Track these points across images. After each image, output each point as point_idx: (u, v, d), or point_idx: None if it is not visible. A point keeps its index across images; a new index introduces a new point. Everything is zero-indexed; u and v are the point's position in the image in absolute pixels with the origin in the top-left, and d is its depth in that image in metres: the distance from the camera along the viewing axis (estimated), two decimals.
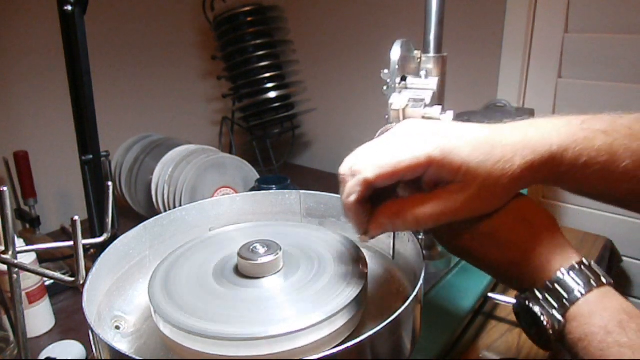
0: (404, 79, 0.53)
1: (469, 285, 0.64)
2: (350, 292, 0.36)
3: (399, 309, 0.31)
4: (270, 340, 0.32)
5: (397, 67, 0.50)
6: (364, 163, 0.33)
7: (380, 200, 0.35)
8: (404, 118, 0.48)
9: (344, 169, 0.34)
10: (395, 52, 0.50)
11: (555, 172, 0.35)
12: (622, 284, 1.10)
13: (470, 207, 0.34)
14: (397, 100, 0.48)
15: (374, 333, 0.30)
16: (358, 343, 0.29)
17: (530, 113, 0.92)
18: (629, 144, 0.34)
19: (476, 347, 0.62)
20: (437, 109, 0.49)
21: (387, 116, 0.50)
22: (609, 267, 0.96)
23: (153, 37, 1.20)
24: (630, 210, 0.38)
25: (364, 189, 0.33)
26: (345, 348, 0.28)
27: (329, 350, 0.31)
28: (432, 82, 0.52)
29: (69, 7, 0.63)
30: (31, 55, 0.98)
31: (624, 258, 1.03)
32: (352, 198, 0.33)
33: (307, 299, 0.35)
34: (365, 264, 0.39)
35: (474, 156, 0.32)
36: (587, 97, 1.03)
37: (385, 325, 0.30)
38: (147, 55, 1.20)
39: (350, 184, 0.33)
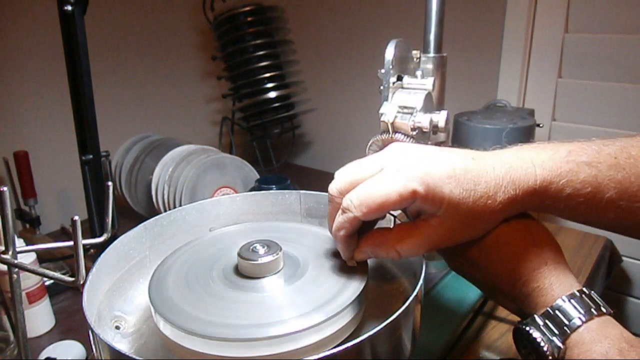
0: (400, 78, 0.53)
1: (469, 285, 0.63)
2: (350, 292, 0.36)
3: (399, 309, 0.31)
4: (270, 340, 0.32)
5: (391, 67, 0.50)
6: (354, 201, 0.34)
7: (367, 226, 0.38)
8: (393, 129, 0.49)
9: (332, 189, 0.36)
10: (390, 52, 0.50)
11: (540, 203, 0.36)
12: (622, 284, 1.10)
13: (451, 238, 0.36)
14: (386, 112, 0.49)
15: (374, 333, 0.29)
16: (358, 343, 0.29)
17: (530, 113, 0.92)
18: (614, 175, 0.34)
19: (476, 347, 0.62)
20: (443, 114, 0.50)
21: (382, 120, 0.50)
22: (609, 267, 0.96)
23: (153, 37, 1.20)
24: (617, 233, 0.39)
25: (352, 226, 0.36)
26: (345, 348, 0.28)
27: (329, 350, 0.31)
28: (429, 82, 0.52)
29: (69, 7, 0.63)
30: (31, 55, 0.98)
31: (624, 258, 1.03)
32: (342, 233, 0.36)
33: (307, 299, 0.35)
34: (366, 264, 0.39)
35: (456, 192, 0.33)
36: (587, 97, 1.03)
37: (385, 325, 0.30)
38: (147, 55, 1.20)
39: (340, 220, 0.36)
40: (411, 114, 0.49)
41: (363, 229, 0.38)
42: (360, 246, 0.38)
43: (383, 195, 0.34)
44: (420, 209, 0.35)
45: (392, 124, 0.49)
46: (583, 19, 1.00)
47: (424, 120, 0.49)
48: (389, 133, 0.50)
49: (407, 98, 0.51)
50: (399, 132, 0.50)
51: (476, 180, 0.34)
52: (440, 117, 0.51)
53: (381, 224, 0.43)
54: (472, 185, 0.34)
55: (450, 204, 0.34)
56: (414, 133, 0.49)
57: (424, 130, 0.49)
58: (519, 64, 1.07)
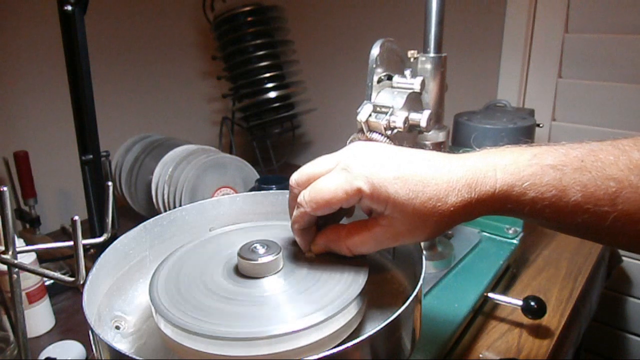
0: (389, 77, 0.54)
1: (469, 285, 0.64)
2: (350, 292, 0.36)
3: (399, 309, 0.31)
4: (270, 340, 0.32)
5: (374, 65, 0.51)
6: (305, 197, 0.36)
7: (329, 220, 0.40)
8: (368, 128, 0.51)
9: (291, 180, 0.39)
10: (374, 51, 0.51)
11: (501, 207, 0.36)
12: (622, 284, 1.10)
13: (400, 238, 0.36)
14: (360, 111, 0.50)
15: (374, 333, 0.30)
16: (358, 343, 0.29)
17: (530, 113, 0.92)
18: (579, 178, 0.33)
19: (476, 347, 0.62)
20: (425, 114, 0.51)
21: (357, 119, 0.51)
22: (609, 267, 0.96)
23: (153, 37, 1.20)
24: (588, 239, 0.38)
25: (304, 221, 0.38)
26: (345, 348, 0.28)
27: (329, 350, 0.31)
28: (416, 82, 0.52)
29: (69, 7, 0.63)
30: (31, 55, 0.98)
31: (623, 258, 1.03)
32: (296, 226, 0.39)
33: (307, 299, 0.35)
34: (366, 264, 0.39)
35: (402, 192, 0.34)
36: (587, 97, 1.03)
37: (385, 325, 0.30)
38: (147, 55, 1.20)
39: (295, 214, 0.38)
40: (386, 113, 0.50)
41: (327, 221, 0.40)
42: (315, 240, 0.40)
43: (330, 192, 0.35)
44: (369, 207, 0.36)
45: (366, 122, 0.50)
46: (583, 19, 1.00)
47: (398, 119, 0.49)
48: (364, 132, 0.51)
49: (389, 97, 0.52)
50: (375, 132, 0.50)
51: (425, 183, 0.34)
52: (422, 117, 0.51)
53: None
54: (420, 187, 0.34)
55: (395, 204, 0.34)
56: (389, 132, 0.50)
57: (399, 129, 0.50)
58: (519, 64, 1.07)
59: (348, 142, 0.52)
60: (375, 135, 0.51)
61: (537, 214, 0.35)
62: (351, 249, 0.38)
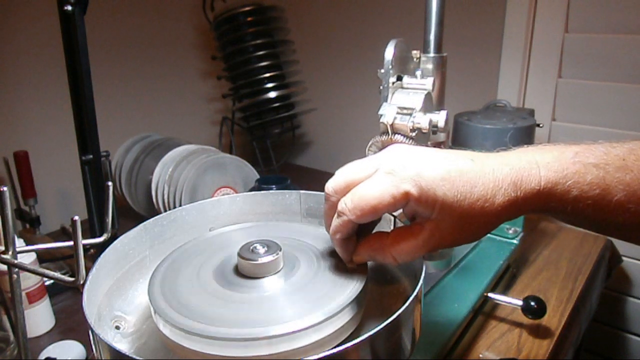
0: (399, 78, 0.53)
1: (469, 285, 0.64)
2: (350, 292, 0.36)
3: (399, 309, 0.31)
4: (270, 340, 0.32)
5: (390, 67, 0.50)
6: (348, 205, 0.34)
7: (366, 228, 0.38)
8: (393, 130, 0.49)
9: (328, 188, 0.37)
10: (389, 52, 0.50)
11: (544, 206, 0.35)
12: (622, 284, 1.10)
13: (447, 241, 0.35)
14: (386, 113, 0.49)
15: (374, 333, 0.29)
16: (358, 343, 0.29)
17: (530, 113, 0.92)
18: (622, 177, 0.33)
19: (476, 347, 0.62)
20: (443, 114, 0.50)
21: (381, 121, 0.50)
22: (609, 267, 0.96)
23: (153, 37, 1.20)
24: (627, 241, 0.38)
25: (347, 230, 0.36)
26: (345, 348, 0.28)
27: (329, 350, 0.31)
28: (428, 82, 0.52)
29: (69, 7, 0.63)
30: (31, 55, 0.98)
31: (624, 258, 1.03)
32: (338, 237, 0.37)
33: (307, 299, 0.35)
34: (366, 264, 0.39)
35: (450, 194, 0.33)
36: (587, 97, 1.03)
37: (385, 325, 0.30)
38: (147, 55, 1.20)
39: (335, 224, 0.36)
40: (410, 114, 0.49)
41: (363, 229, 0.38)
42: (358, 250, 0.38)
43: (376, 198, 0.33)
44: (415, 211, 0.35)
45: (392, 125, 0.49)
46: (583, 19, 1.00)
47: (423, 120, 0.49)
48: (388, 134, 0.50)
49: (407, 98, 0.51)
50: (398, 134, 0.50)
51: (473, 183, 0.33)
52: (440, 117, 0.51)
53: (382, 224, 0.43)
54: (468, 188, 0.33)
55: (444, 206, 0.33)
56: (413, 134, 0.49)
57: (424, 131, 0.49)
58: (519, 64, 1.07)
59: (369, 145, 0.51)
60: (398, 137, 0.50)
61: (579, 213, 0.35)
62: (397, 257, 0.36)
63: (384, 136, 0.50)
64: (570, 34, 1.01)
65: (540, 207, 0.35)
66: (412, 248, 0.35)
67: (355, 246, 0.38)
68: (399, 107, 0.50)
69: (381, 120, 0.49)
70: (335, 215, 0.36)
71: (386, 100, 0.51)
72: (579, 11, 0.99)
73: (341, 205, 0.35)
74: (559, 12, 1.01)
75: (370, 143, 0.51)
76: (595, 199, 0.34)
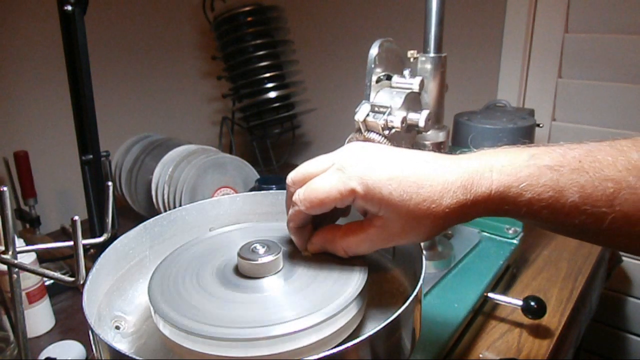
0: (389, 77, 0.54)
1: (469, 285, 0.64)
2: (350, 292, 0.36)
3: (399, 309, 0.31)
4: (270, 340, 0.32)
5: (373, 65, 0.51)
6: (300, 196, 0.37)
7: (326, 219, 0.41)
8: (366, 128, 0.51)
9: (288, 178, 0.39)
10: (373, 51, 0.51)
11: (497, 209, 0.35)
12: (622, 284, 1.10)
13: (394, 239, 0.36)
14: (358, 111, 0.50)
15: (374, 333, 0.30)
16: (358, 343, 0.29)
17: (530, 113, 0.92)
18: (577, 179, 0.33)
19: (476, 347, 0.62)
20: (424, 114, 0.50)
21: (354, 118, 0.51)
22: (609, 267, 0.96)
23: (153, 37, 1.20)
24: (587, 242, 0.38)
25: (299, 219, 0.38)
26: (345, 348, 0.28)
27: (329, 350, 0.31)
28: (415, 82, 0.52)
29: (69, 7, 0.63)
30: (31, 55, 0.98)
31: (623, 258, 1.03)
32: (291, 225, 0.39)
33: (307, 299, 0.35)
34: (365, 264, 0.39)
35: (396, 193, 0.34)
36: (587, 97, 1.03)
37: (385, 325, 0.30)
38: (147, 55, 1.20)
39: (290, 213, 0.39)
40: (384, 113, 0.50)
41: (323, 221, 0.41)
42: (312, 239, 0.40)
43: (325, 192, 0.35)
44: (364, 208, 0.36)
45: (364, 122, 0.50)
46: (583, 19, 1.00)
47: (396, 119, 0.49)
48: (362, 131, 0.51)
49: (387, 97, 0.52)
50: (372, 131, 0.50)
51: (420, 184, 0.34)
52: (421, 117, 0.51)
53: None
54: (414, 189, 0.34)
55: (389, 205, 0.34)
56: (387, 132, 0.50)
57: (397, 129, 0.50)
58: (519, 64, 1.07)
59: (346, 142, 0.52)
60: (373, 135, 0.51)
61: (534, 215, 0.35)
62: (346, 249, 0.38)
63: (358, 134, 0.51)
64: (570, 34, 1.01)
65: (493, 210, 0.35)
66: (360, 242, 0.37)
67: (309, 235, 0.40)
68: (375, 105, 0.51)
69: (354, 118, 0.50)
70: (291, 204, 0.38)
71: (368, 99, 0.52)
72: (579, 11, 0.99)
73: (295, 196, 0.37)
74: (559, 12, 1.01)
75: (347, 139, 0.52)
76: (549, 201, 0.34)
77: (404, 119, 0.50)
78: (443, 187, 0.34)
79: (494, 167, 0.35)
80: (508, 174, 0.34)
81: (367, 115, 0.50)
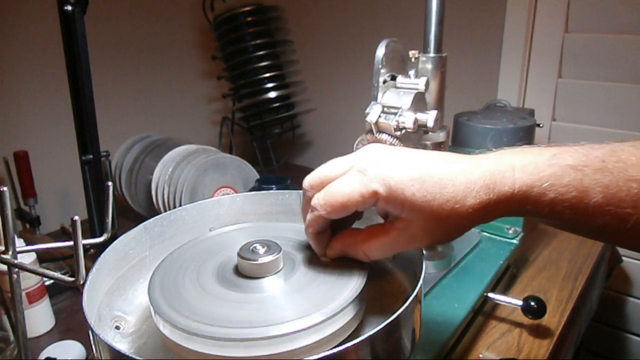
0: (393, 78, 0.53)
1: (469, 285, 0.64)
2: (350, 292, 0.36)
3: (399, 309, 0.31)
4: (270, 340, 0.32)
5: (380, 66, 0.51)
6: (319, 200, 0.36)
7: (342, 223, 0.39)
8: (378, 129, 0.50)
9: (305, 183, 0.38)
10: (380, 52, 0.51)
11: (520, 209, 0.35)
12: (622, 284, 1.10)
13: (417, 241, 0.36)
14: (370, 112, 0.50)
15: (374, 333, 0.30)
16: (358, 343, 0.29)
17: (530, 113, 0.92)
18: (600, 179, 0.32)
19: (476, 347, 0.62)
20: (432, 114, 0.50)
21: (366, 120, 0.51)
22: (609, 267, 0.96)
23: (153, 37, 1.20)
24: (608, 243, 0.38)
25: (319, 224, 0.37)
26: (345, 348, 0.28)
27: (329, 350, 0.31)
28: (421, 82, 0.52)
29: (69, 7, 0.63)
30: (31, 55, 0.98)
31: (624, 258, 1.03)
32: (310, 230, 0.38)
33: (307, 299, 0.35)
34: (365, 264, 0.39)
35: (419, 194, 0.33)
36: (587, 97, 1.03)
37: (385, 325, 0.30)
38: (147, 55, 1.20)
39: (308, 218, 0.37)
40: (395, 114, 0.50)
41: (341, 225, 0.39)
42: (331, 244, 0.39)
43: (345, 195, 0.34)
44: (385, 210, 0.35)
45: (376, 123, 0.50)
46: (583, 19, 1.00)
47: (408, 120, 0.49)
48: (373, 133, 0.50)
49: (395, 98, 0.51)
50: (384, 132, 0.50)
51: (442, 184, 0.33)
52: (429, 117, 0.51)
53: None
54: (437, 189, 0.33)
55: (412, 206, 0.33)
56: (399, 133, 0.50)
57: (409, 130, 0.50)
58: (519, 64, 1.07)
59: (356, 143, 0.52)
60: (384, 136, 0.50)
61: (556, 216, 0.34)
62: (368, 253, 0.37)
63: (369, 135, 0.51)
64: (570, 34, 1.01)
65: (515, 210, 0.35)
66: (383, 245, 0.36)
67: (328, 240, 0.39)
68: (386, 106, 0.51)
69: (366, 119, 0.50)
70: (309, 209, 0.37)
71: (376, 99, 0.52)
72: (579, 11, 0.99)
73: (314, 201, 0.36)
74: (559, 12, 1.01)
75: (357, 141, 0.52)
76: (572, 201, 0.33)
77: (416, 120, 0.49)
78: (466, 186, 0.34)
79: (516, 166, 0.34)
80: (530, 173, 0.34)
81: (379, 116, 0.50)
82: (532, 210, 0.35)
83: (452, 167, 0.34)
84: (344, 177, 0.36)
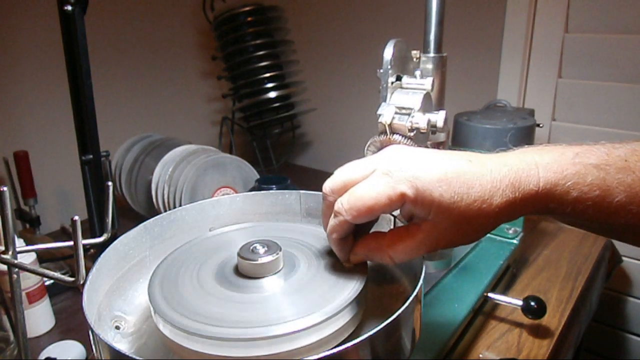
0: (399, 78, 0.53)
1: (469, 285, 0.64)
2: (350, 292, 0.36)
3: (399, 309, 0.31)
4: (270, 340, 0.32)
5: (389, 67, 0.50)
6: (344, 205, 0.35)
7: (364, 228, 0.39)
8: (391, 130, 0.49)
9: (325, 188, 0.37)
10: (388, 52, 0.50)
11: (544, 207, 0.35)
12: (622, 284, 1.10)
13: (444, 242, 0.35)
14: (384, 113, 0.49)
15: (374, 333, 0.29)
16: (358, 343, 0.29)
17: (530, 113, 0.92)
18: (623, 178, 0.33)
19: (476, 347, 0.62)
20: (442, 114, 0.50)
21: (379, 121, 0.50)
22: (609, 267, 0.96)
23: (153, 37, 1.20)
24: (629, 243, 0.38)
25: (344, 229, 0.36)
26: (345, 348, 0.28)
27: (329, 350, 0.31)
28: (427, 82, 0.52)
29: (69, 7, 0.63)
30: (31, 55, 0.98)
31: (624, 258, 1.03)
32: (334, 236, 0.37)
33: (307, 299, 0.35)
34: (365, 264, 0.39)
35: (447, 195, 0.33)
36: (587, 97, 1.03)
37: (385, 325, 0.30)
38: (147, 55, 1.20)
39: (332, 224, 0.36)
40: (409, 114, 0.49)
41: (361, 229, 0.38)
42: (355, 249, 0.38)
43: (372, 199, 0.34)
44: (412, 212, 0.35)
45: (390, 125, 0.49)
46: (583, 19, 1.00)
47: (421, 120, 0.49)
48: (387, 134, 0.50)
49: (405, 98, 0.51)
50: (397, 133, 0.50)
51: (469, 184, 0.33)
52: (439, 117, 0.51)
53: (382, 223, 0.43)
54: (464, 189, 0.33)
55: (440, 207, 0.33)
56: (412, 134, 0.49)
57: (422, 130, 0.49)
58: (519, 64, 1.07)
59: (367, 145, 0.51)
60: (397, 137, 0.50)
61: (579, 214, 0.34)
62: (393, 257, 0.36)
63: (382, 136, 0.50)
64: (570, 34, 1.01)
65: (540, 208, 0.35)
66: (409, 248, 0.35)
67: (352, 245, 0.38)
68: (398, 107, 0.50)
69: (379, 120, 0.49)
70: (332, 215, 0.36)
71: (385, 100, 0.51)
72: (579, 11, 0.99)
73: (338, 205, 0.35)
74: (559, 12, 1.01)
75: (368, 143, 0.51)
76: (595, 200, 0.33)
77: (429, 121, 0.49)
78: (492, 185, 0.33)
79: (540, 165, 0.34)
80: (555, 171, 0.34)
81: (393, 117, 0.49)
82: (556, 209, 0.35)
83: (477, 167, 0.34)
84: (369, 180, 0.35)
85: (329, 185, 0.37)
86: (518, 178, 0.34)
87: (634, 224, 0.33)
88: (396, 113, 0.50)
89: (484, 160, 0.35)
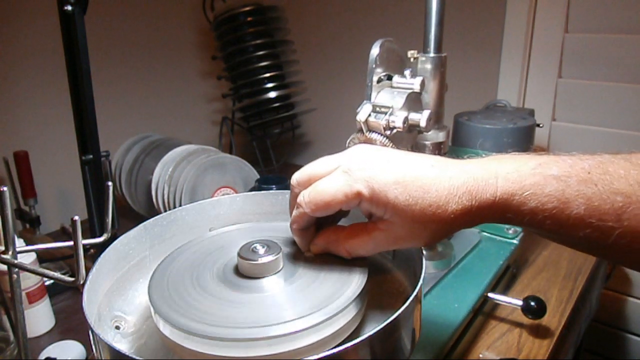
0: (389, 77, 0.53)
1: (469, 285, 0.64)
2: (350, 292, 0.36)
3: (399, 309, 0.31)
4: (270, 340, 0.32)
5: (374, 65, 0.51)
6: (305, 198, 0.37)
7: (328, 220, 0.40)
8: (367, 128, 0.51)
9: (293, 179, 0.39)
10: (374, 51, 0.51)
11: (501, 216, 0.35)
12: (622, 284, 1.10)
13: (398, 242, 0.36)
14: (360, 111, 0.50)
15: (374, 333, 0.29)
16: (358, 343, 0.29)
17: (530, 113, 0.92)
18: (583, 190, 0.32)
19: (476, 347, 0.62)
20: (425, 114, 0.50)
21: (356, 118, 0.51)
22: (609, 267, 0.96)
23: (153, 37, 1.20)
24: (593, 255, 0.38)
25: (304, 221, 0.38)
26: (345, 348, 0.28)
27: (329, 350, 0.31)
28: (416, 82, 0.52)
29: (69, 7, 0.63)
30: (31, 55, 0.98)
31: None
32: (295, 226, 0.39)
33: (307, 300, 0.35)
34: (365, 264, 0.39)
35: (402, 197, 0.34)
36: (587, 97, 1.03)
37: (385, 325, 0.30)
38: (147, 55, 1.20)
39: (294, 214, 0.39)
40: (386, 113, 0.50)
41: (325, 222, 0.40)
42: (315, 240, 0.40)
43: (330, 195, 0.35)
44: (369, 211, 0.36)
45: (366, 122, 0.50)
46: (583, 19, 1.00)
47: (397, 119, 0.49)
48: (363, 132, 0.51)
49: (388, 97, 0.52)
50: (374, 131, 0.50)
51: (426, 189, 0.34)
52: (422, 117, 0.51)
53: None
54: (420, 193, 0.34)
55: (395, 208, 0.34)
56: (389, 132, 0.50)
57: (399, 129, 0.50)
58: (519, 64, 1.07)
59: (348, 142, 0.52)
60: (374, 135, 0.50)
61: (537, 225, 0.34)
62: (350, 251, 0.38)
63: (359, 133, 0.51)
64: (570, 34, 1.01)
65: (498, 217, 0.35)
66: (365, 244, 0.37)
67: (312, 237, 0.40)
68: (378, 106, 0.51)
69: (356, 118, 0.50)
70: (295, 206, 0.38)
71: (369, 99, 0.52)
72: (579, 11, 0.99)
73: (299, 198, 0.37)
74: (559, 12, 1.01)
75: (349, 139, 0.52)
76: (553, 211, 0.33)
77: (406, 119, 0.50)
78: (449, 192, 0.34)
79: (499, 174, 0.34)
80: (513, 181, 0.34)
81: (369, 115, 0.50)
82: (514, 219, 0.35)
83: (437, 172, 0.35)
84: (330, 177, 0.36)
85: (296, 177, 0.39)
86: (476, 186, 0.34)
87: (593, 237, 0.33)
88: (374, 111, 0.51)
89: (447, 166, 0.36)
